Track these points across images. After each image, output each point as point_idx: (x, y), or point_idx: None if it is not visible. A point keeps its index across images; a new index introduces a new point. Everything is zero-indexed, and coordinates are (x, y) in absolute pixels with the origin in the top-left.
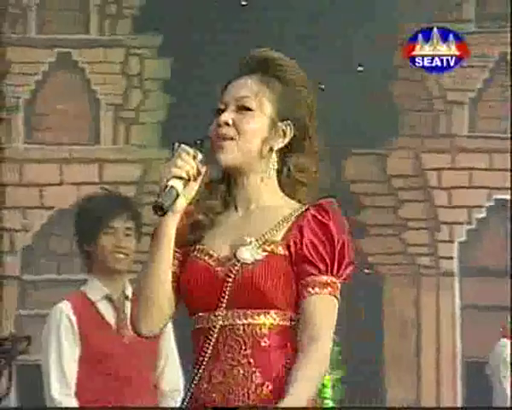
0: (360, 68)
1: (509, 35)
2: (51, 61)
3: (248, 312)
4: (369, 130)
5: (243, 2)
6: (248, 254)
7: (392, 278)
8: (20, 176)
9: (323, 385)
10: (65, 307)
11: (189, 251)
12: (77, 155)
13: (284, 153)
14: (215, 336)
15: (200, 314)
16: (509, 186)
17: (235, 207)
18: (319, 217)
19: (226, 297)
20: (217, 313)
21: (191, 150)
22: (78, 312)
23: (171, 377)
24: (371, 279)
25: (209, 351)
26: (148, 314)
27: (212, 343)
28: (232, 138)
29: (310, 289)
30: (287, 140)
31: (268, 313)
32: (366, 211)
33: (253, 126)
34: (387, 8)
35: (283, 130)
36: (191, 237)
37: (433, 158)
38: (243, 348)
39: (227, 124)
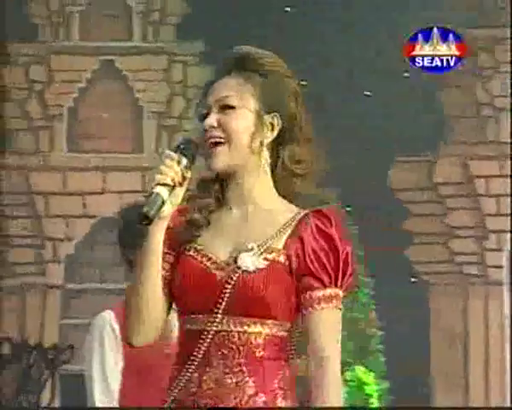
0: (406, 75)
1: None
2: (94, 68)
3: (245, 320)
4: (417, 136)
5: (287, 9)
6: (250, 261)
7: (438, 288)
8: (62, 184)
9: (369, 395)
10: (108, 316)
11: (183, 250)
12: (120, 163)
13: (276, 146)
14: (208, 340)
15: (193, 316)
16: None
17: (230, 207)
18: (322, 226)
19: (224, 303)
20: (212, 318)
21: (175, 156)
22: (121, 321)
23: None
24: (417, 288)
25: (200, 355)
26: (140, 324)
27: (204, 347)
28: (221, 142)
29: (315, 305)
30: (276, 132)
31: (265, 323)
32: (412, 219)
33: (239, 123)
34: (432, 10)
35: (271, 122)
36: (186, 235)
37: (480, 165)
38: (237, 356)
39: (213, 127)
